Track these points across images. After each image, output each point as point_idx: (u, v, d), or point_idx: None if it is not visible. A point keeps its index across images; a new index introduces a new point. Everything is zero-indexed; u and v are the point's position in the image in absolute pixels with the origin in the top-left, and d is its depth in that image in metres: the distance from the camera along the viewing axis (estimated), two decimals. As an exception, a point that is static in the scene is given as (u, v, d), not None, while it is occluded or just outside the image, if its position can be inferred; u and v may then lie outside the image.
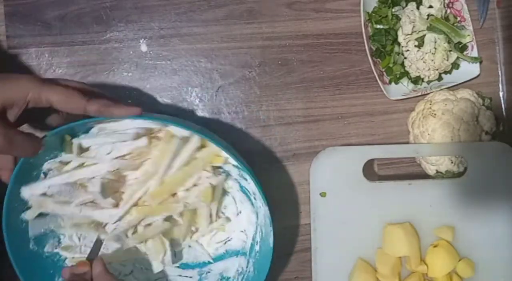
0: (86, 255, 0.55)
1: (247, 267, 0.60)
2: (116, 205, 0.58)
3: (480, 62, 0.67)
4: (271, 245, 0.55)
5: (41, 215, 0.57)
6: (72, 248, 0.60)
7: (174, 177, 0.57)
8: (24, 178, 0.55)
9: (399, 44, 0.66)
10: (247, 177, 0.57)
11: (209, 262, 0.62)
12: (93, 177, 0.56)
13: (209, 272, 0.62)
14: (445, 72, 0.67)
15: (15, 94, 0.48)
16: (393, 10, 0.66)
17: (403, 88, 0.68)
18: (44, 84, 0.49)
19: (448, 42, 0.65)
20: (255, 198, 0.59)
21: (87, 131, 0.57)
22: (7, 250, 0.55)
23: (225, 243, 0.62)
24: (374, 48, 0.67)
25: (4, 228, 0.54)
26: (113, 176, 0.57)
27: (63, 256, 0.60)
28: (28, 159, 0.53)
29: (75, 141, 0.56)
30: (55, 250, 0.59)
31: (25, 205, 0.56)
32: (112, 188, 0.58)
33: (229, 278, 0.61)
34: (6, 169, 0.53)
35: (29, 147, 0.50)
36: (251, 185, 0.58)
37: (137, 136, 0.56)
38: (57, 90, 0.49)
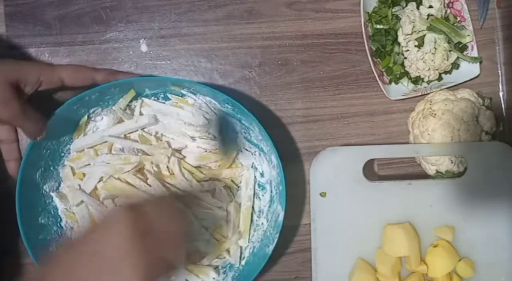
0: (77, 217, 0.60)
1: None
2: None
3: (480, 62, 0.67)
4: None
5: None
6: (66, 200, 0.61)
7: None
8: (34, 166, 0.57)
9: (399, 44, 0.66)
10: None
11: None
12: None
13: None
14: (445, 72, 0.67)
15: (29, 72, 0.53)
16: (393, 10, 0.66)
17: (403, 88, 0.68)
18: (55, 66, 0.56)
19: (448, 42, 0.65)
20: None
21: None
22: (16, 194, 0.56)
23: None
24: (374, 48, 0.67)
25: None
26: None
27: (54, 202, 0.61)
28: (36, 144, 0.56)
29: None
30: (51, 193, 0.60)
31: (37, 187, 0.58)
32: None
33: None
34: (13, 159, 0.57)
35: (39, 121, 0.54)
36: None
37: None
38: (67, 67, 0.57)
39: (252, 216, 0.62)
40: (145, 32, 0.66)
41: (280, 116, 0.67)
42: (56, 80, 0.55)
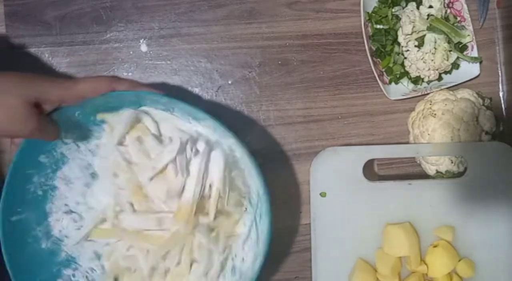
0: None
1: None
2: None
3: (480, 62, 0.67)
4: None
5: None
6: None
7: None
8: (30, 156, 0.57)
9: (399, 44, 0.66)
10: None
11: None
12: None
13: None
14: (445, 72, 0.67)
15: (49, 91, 0.52)
16: (393, 10, 0.66)
17: (403, 88, 0.68)
18: (76, 80, 0.54)
19: (448, 42, 0.65)
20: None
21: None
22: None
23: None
24: (374, 48, 0.67)
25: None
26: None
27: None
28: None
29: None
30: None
31: (29, 178, 0.57)
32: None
33: None
34: (18, 144, 0.57)
35: (55, 134, 0.55)
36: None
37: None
38: (87, 80, 0.54)
39: None
40: (145, 32, 0.66)
41: (280, 116, 0.67)
42: (77, 97, 0.54)
